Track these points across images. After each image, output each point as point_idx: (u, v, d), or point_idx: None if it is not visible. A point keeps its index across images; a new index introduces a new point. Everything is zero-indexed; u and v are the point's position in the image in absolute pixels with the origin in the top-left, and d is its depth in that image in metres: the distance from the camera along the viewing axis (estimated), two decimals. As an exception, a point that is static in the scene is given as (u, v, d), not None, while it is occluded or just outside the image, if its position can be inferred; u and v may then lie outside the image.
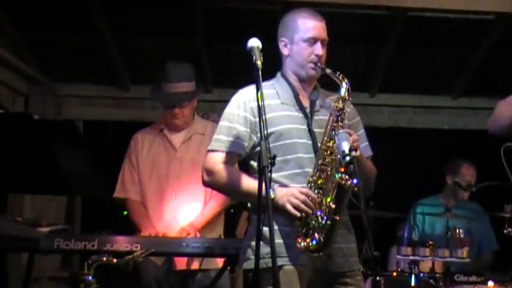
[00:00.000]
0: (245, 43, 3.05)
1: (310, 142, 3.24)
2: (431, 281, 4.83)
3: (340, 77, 3.25)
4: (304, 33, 3.29)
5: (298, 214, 3.10)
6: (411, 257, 4.85)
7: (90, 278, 3.58)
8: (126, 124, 6.27)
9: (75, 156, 3.58)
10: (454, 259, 4.85)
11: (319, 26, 3.32)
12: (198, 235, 4.21)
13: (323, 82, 3.42)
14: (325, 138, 3.19)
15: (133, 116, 6.43)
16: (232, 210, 4.88)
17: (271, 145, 3.08)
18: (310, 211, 3.10)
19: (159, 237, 4.18)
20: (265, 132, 2.92)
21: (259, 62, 3.00)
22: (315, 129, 3.26)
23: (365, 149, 3.35)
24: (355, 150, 3.04)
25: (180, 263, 4.27)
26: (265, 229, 2.95)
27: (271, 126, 3.18)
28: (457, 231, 5.03)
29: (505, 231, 4.97)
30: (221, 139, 3.27)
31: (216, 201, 4.40)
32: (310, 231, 3.10)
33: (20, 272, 5.47)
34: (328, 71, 3.27)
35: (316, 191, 3.14)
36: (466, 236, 5.07)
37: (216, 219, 4.45)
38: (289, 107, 3.29)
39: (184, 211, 4.39)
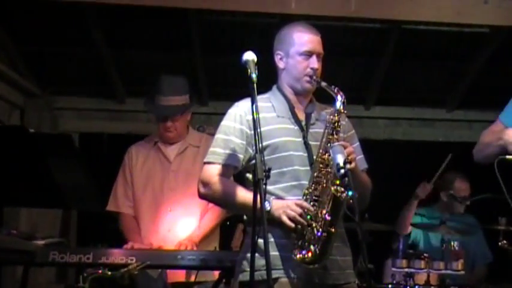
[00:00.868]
0: (241, 56, 3.06)
1: (305, 155, 3.26)
2: (427, 293, 4.84)
3: (336, 90, 3.27)
4: (299, 47, 3.31)
5: (293, 225, 3.11)
6: (406, 270, 4.86)
7: (85, 291, 3.58)
8: (121, 137, 6.27)
9: (71, 169, 3.59)
10: (449, 271, 4.86)
11: (315, 39, 3.34)
12: (195, 249, 4.21)
13: (319, 95, 3.44)
14: (321, 151, 3.21)
15: (129, 129, 6.43)
16: (228, 223, 4.88)
17: (267, 158, 3.13)
18: (306, 223, 3.11)
19: (155, 249, 4.18)
20: (260, 145, 2.93)
21: (254, 75, 3.01)
22: (310, 142, 3.28)
23: (360, 161, 3.36)
24: (350, 163, 3.06)
25: (176, 275, 4.27)
26: (261, 241, 2.95)
27: (267, 139, 3.21)
28: (452, 243, 5.05)
29: (500, 244, 4.99)
30: (217, 151, 3.29)
31: (213, 214, 4.40)
32: (306, 244, 3.11)
33: (15, 285, 5.45)
34: (323, 84, 3.29)
35: (311, 203, 3.15)
36: (460, 248, 5.08)
37: (212, 233, 4.45)
38: (284, 120, 3.32)
39: (179, 224, 4.39)
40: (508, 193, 3.00)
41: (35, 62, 6.02)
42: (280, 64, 3.38)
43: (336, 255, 3.21)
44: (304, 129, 3.31)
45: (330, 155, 3.14)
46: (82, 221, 6.50)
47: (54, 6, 5.21)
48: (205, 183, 3.28)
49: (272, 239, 3.16)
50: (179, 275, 4.26)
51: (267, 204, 3.11)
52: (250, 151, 3.27)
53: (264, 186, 2.87)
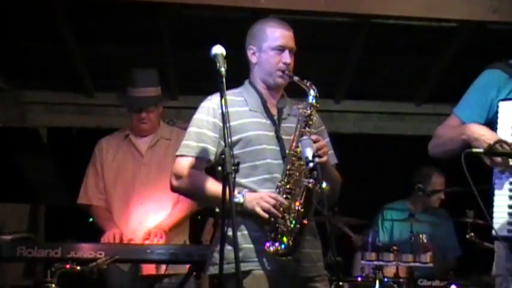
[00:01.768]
0: (210, 50, 3.05)
1: (278, 148, 3.28)
2: (395, 286, 4.87)
3: (308, 84, 3.31)
4: (272, 42, 3.34)
5: (267, 216, 3.13)
6: (375, 262, 4.89)
7: (53, 286, 3.55)
8: (90, 131, 6.22)
9: (39, 163, 3.56)
10: (417, 264, 4.89)
11: (287, 34, 3.37)
12: (164, 237, 4.21)
13: (290, 91, 3.45)
14: (293, 144, 3.23)
15: (98, 123, 6.39)
16: (199, 217, 4.88)
17: (240, 151, 3.21)
18: (280, 215, 3.13)
19: (124, 244, 4.17)
20: (230, 139, 2.93)
21: (223, 69, 3.00)
22: (283, 136, 3.30)
23: (330, 157, 3.38)
24: (320, 156, 3.08)
25: (148, 267, 4.26)
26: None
27: (240, 133, 3.24)
28: (421, 236, 5.09)
29: (468, 237, 5.05)
30: (190, 144, 3.30)
31: (183, 205, 4.41)
32: (279, 236, 3.13)
33: (-18, 281, 5.41)
34: (295, 78, 3.32)
35: (284, 195, 3.18)
36: (429, 241, 5.13)
37: (182, 225, 4.45)
38: (257, 114, 3.33)
39: (150, 217, 4.39)
40: (475, 186, 3.02)
41: (2, 56, 5.94)
42: (253, 59, 3.40)
43: (307, 248, 3.24)
44: (276, 124, 3.33)
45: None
46: (50, 216, 6.45)
47: (21, -1, 5.16)
48: (178, 176, 3.29)
49: (246, 232, 3.19)
50: (150, 268, 4.25)
51: (240, 196, 3.15)
52: (223, 144, 3.26)
53: (233, 180, 2.86)
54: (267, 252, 3.15)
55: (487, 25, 5.35)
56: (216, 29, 5.33)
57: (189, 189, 3.31)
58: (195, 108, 3.40)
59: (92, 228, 4.51)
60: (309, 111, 3.29)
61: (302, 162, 3.15)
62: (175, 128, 4.61)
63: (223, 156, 2.88)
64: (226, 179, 2.84)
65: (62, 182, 3.65)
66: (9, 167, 3.47)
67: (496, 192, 3.12)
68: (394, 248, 4.93)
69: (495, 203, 3.11)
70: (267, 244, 3.14)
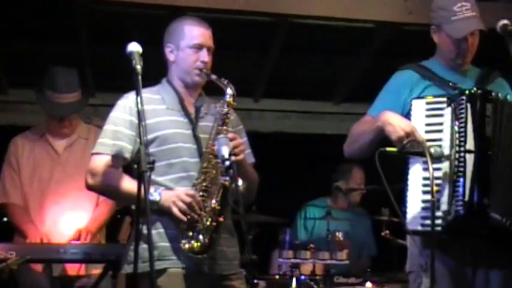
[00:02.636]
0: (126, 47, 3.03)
1: (195, 147, 3.28)
2: (312, 283, 4.93)
3: (226, 83, 3.32)
4: (190, 40, 3.34)
5: (184, 217, 3.13)
6: (292, 260, 4.94)
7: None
8: (5, 128, 6.07)
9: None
10: (334, 261, 4.96)
11: (206, 33, 3.37)
12: (90, 236, 4.17)
13: (209, 90, 3.45)
14: (210, 142, 3.24)
15: (12, 120, 6.25)
16: (119, 216, 4.83)
17: (156, 149, 3.21)
18: (196, 214, 3.13)
19: (36, 243, 4.09)
20: (145, 137, 2.91)
21: (138, 67, 2.97)
22: (200, 135, 3.30)
23: (247, 156, 3.41)
24: (236, 154, 3.10)
25: (72, 268, 4.19)
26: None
27: (156, 131, 3.23)
28: (337, 234, 5.15)
29: (382, 234, 5.14)
30: (106, 142, 3.27)
31: (106, 207, 4.37)
32: (195, 233, 3.14)
33: None
34: (213, 77, 3.33)
35: (201, 193, 3.19)
36: (345, 238, 5.20)
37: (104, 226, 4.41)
38: (174, 112, 3.33)
39: (66, 217, 4.32)
40: (391, 183, 3.08)
41: None
42: (170, 57, 3.39)
43: (223, 246, 3.25)
44: (193, 122, 3.33)
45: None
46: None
47: None
48: (93, 174, 3.27)
49: (162, 230, 3.19)
50: (72, 268, 4.19)
51: (156, 194, 3.14)
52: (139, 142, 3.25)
53: (148, 178, 2.84)
54: (182, 250, 3.15)
55: (403, 26, 5.45)
56: (135, 26, 5.27)
57: (104, 187, 3.29)
58: (112, 106, 3.37)
59: (4, 227, 4.39)
60: (226, 110, 3.30)
61: (219, 160, 3.15)
62: (93, 126, 4.54)
63: (139, 154, 2.86)
64: (141, 177, 2.82)
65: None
66: None
67: (410, 187, 3.18)
68: (311, 245, 4.98)
69: (408, 199, 3.16)
70: (183, 241, 3.14)
